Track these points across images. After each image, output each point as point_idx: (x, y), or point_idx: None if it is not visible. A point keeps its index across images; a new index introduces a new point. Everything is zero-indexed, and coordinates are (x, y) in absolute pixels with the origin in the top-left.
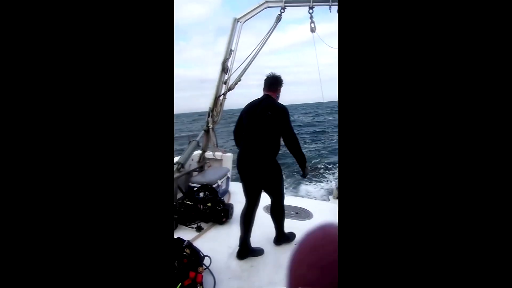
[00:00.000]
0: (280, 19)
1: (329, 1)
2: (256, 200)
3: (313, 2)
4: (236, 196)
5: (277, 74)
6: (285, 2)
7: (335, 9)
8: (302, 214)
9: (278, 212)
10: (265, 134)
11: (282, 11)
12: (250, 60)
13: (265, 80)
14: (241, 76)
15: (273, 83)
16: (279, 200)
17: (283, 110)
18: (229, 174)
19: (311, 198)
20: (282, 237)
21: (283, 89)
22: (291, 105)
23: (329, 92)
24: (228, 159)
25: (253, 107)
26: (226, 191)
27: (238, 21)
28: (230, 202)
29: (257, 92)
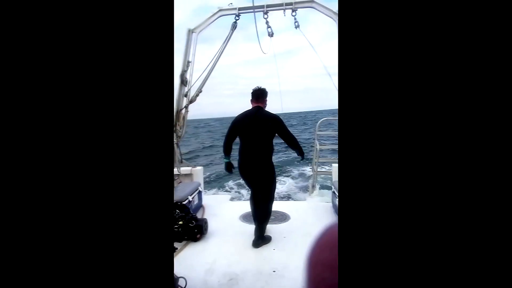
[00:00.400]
0: (236, 27)
1: (282, 5)
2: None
3: (266, 8)
4: (211, 209)
5: (262, 87)
6: (239, 10)
7: (289, 12)
8: (280, 217)
9: (264, 212)
10: (264, 139)
11: (237, 18)
12: (210, 70)
13: (253, 93)
14: (202, 87)
15: (260, 95)
16: (268, 200)
17: (280, 120)
18: (200, 188)
19: (288, 200)
20: (262, 239)
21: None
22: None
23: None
24: (198, 172)
25: (248, 117)
26: (199, 206)
27: (193, 32)
28: (205, 216)
29: (231, 101)
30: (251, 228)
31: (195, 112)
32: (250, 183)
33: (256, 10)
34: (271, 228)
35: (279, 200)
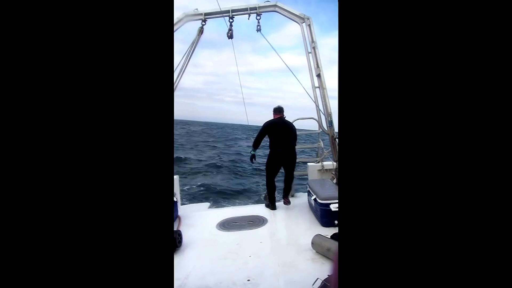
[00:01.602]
0: (203, 32)
1: (247, 10)
2: (275, 176)
3: (232, 13)
4: (187, 219)
5: (281, 105)
6: (205, 15)
7: (253, 16)
8: (257, 222)
9: (291, 177)
10: (291, 137)
11: (204, 23)
12: (178, 75)
13: (276, 109)
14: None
15: (282, 110)
16: (293, 172)
17: (294, 125)
18: (176, 198)
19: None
20: (288, 192)
21: (258, 111)
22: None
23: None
24: (174, 182)
25: (281, 124)
26: (175, 217)
27: None
28: (180, 227)
29: (231, 108)
30: (228, 236)
31: (189, 113)
32: (279, 167)
33: (222, 15)
34: (248, 234)
35: (256, 204)
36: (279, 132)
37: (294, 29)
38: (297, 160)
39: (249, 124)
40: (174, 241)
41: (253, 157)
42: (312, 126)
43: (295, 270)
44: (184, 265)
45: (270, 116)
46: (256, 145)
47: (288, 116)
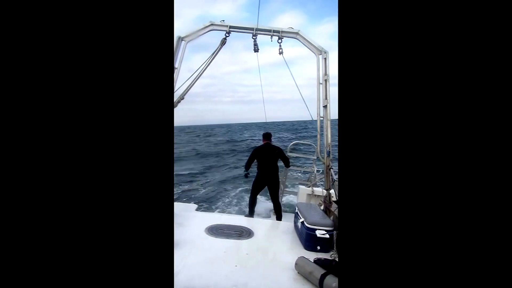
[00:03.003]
0: (225, 43)
1: (270, 32)
2: (258, 193)
3: (256, 31)
4: (177, 218)
5: (269, 131)
6: (230, 27)
7: (275, 38)
8: (244, 233)
9: (278, 205)
10: (273, 161)
11: (227, 35)
12: (194, 79)
13: (264, 135)
14: (184, 94)
15: (269, 136)
16: (277, 198)
17: (281, 149)
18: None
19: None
20: (280, 216)
21: (258, 108)
22: (271, 122)
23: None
24: None
25: (266, 150)
26: None
27: (182, 40)
28: None
29: (229, 108)
30: (216, 242)
31: (191, 118)
32: (262, 186)
33: (245, 31)
34: (235, 243)
35: (243, 215)
36: (264, 157)
37: (289, 20)
38: (288, 181)
39: (267, 121)
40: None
41: (246, 175)
42: (304, 117)
43: (278, 286)
44: (174, 263)
45: (270, 111)
46: (247, 167)
47: (288, 110)
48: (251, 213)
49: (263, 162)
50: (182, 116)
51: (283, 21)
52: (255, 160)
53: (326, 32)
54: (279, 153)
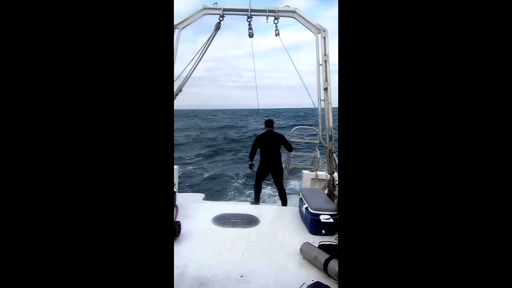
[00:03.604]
0: (219, 27)
1: (266, 12)
2: (262, 180)
3: (250, 12)
4: (184, 209)
5: (271, 118)
6: (224, 10)
7: (271, 19)
8: (250, 221)
9: (282, 191)
10: (276, 148)
11: (221, 19)
12: (191, 68)
13: (266, 122)
14: (182, 86)
15: (271, 123)
16: (282, 184)
17: (282, 135)
18: (175, 188)
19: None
20: (285, 201)
21: (263, 93)
22: (273, 109)
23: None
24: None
25: (266, 137)
26: (173, 206)
27: (175, 28)
28: (178, 217)
29: (235, 93)
30: (223, 231)
31: (194, 102)
32: (266, 174)
33: (240, 13)
34: (242, 232)
35: (249, 202)
36: (266, 144)
37: (298, 2)
38: (293, 166)
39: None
40: (174, 231)
41: (251, 165)
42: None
43: (284, 272)
44: (183, 255)
45: (274, 98)
46: (251, 156)
47: (293, 96)
48: (256, 200)
49: (266, 149)
50: (186, 100)
51: (290, 4)
52: (258, 149)
53: (334, 15)
54: (281, 140)
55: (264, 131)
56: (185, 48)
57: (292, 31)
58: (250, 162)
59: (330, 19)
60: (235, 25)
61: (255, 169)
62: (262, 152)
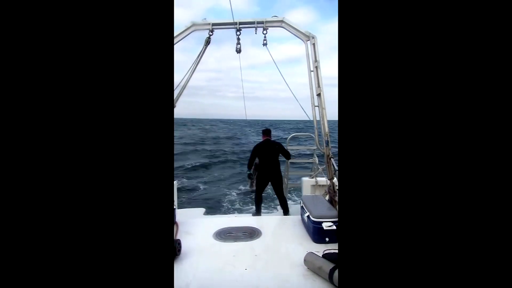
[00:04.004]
0: (209, 42)
1: (254, 23)
2: (263, 190)
3: (239, 25)
4: (184, 226)
5: (268, 127)
6: (213, 25)
7: (260, 30)
8: (252, 234)
9: (283, 200)
10: (274, 157)
11: (211, 33)
12: (184, 83)
13: (264, 131)
14: (176, 101)
15: (268, 132)
16: (282, 192)
17: (280, 144)
18: (174, 205)
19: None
20: (287, 210)
21: (261, 105)
22: (272, 120)
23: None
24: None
25: (266, 146)
26: (173, 223)
27: None
28: (178, 235)
29: (234, 103)
30: (225, 246)
31: (193, 111)
32: (266, 183)
33: (229, 26)
34: (243, 245)
35: (250, 214)
36: (264, 154)
37: (300, 17)
38: (291, 173)
39: (248, 118)
40: (174, 250)
41: (249, 175)
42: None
43: (288, 285)
44: (184, 274)
45: (274, 109)
46: (249, 166)
47: (292, 108)
48: (258, 211)
49: (265, 158)
50: (185, 108)
51: (292, 18)
52: (257, 158)
53: (334, 30)
54: (279, 148)
55: (261, 140)
56: (186, 58)
57: (291, 45)
58: (248, 172)
59: (327, 34)
60: (234, 38)
61: (253, 178)
62: (261, 161)
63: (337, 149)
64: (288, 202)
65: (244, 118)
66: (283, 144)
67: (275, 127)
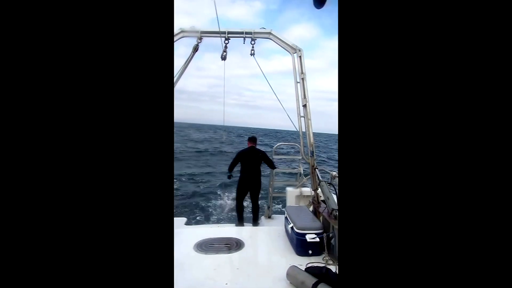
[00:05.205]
0: (197, 49)
1: (243, 33)
2: (243, 198)
3: (228, 34)
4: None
5: (255, 135)
6: (201, 33)
7: (248, 40)
8: (234, 245)
9: (256, 206)
10: (256, 164)
11: (199, 41)
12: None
13: (250, 138)
14: None
15: (254, 140)
16: (257, 199)
17: (264, 152)
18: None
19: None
20: (256, 219)
21: (262, 114)
22: (273, 130)
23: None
24: None
25: (250, 153)
26: None
27: None
28: None
29: (234, 110)
30: (205, 259)
31: (195, 116)
32: (246, 190)
33: (217, 35)
34: (225, 258)
35: (233, 224)
36: (247, 160)
37: (302, 32)
38: (276, 183)
39: (225, 124)
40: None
41: (229, 176)
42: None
43: None
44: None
45: (273, 119)
46: (230, 169)
47: (286, 118)
48: (240, 221)
49: (247, 165)
50: (184, 113)
51: (295, 32)
52: (239, 163)
53: (335, 47)
54: (262, 156)
55: (247, 146)
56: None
57: (283, 56)
58: (228, 174)
59: (329, 49)
60: (239, 46)
61: (234, 178)
62: (243, 167)
63: (320, 160)
64: (272, 212)
65: (243, 126)
66: (269, 153)
67: (274, 137)
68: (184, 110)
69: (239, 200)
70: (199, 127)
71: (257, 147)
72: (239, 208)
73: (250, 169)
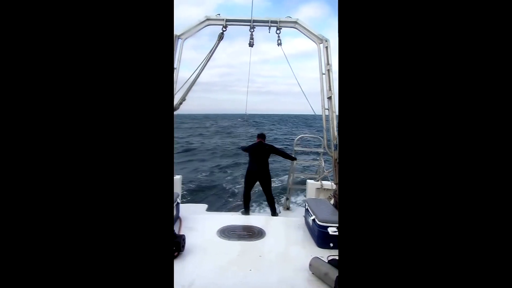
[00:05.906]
0: (222, 38)
1: (268, 22)
2: (251, 189)
3: (253, 23)
4: (188, 221)
5: (263, 132)
6: (227, 21)
7: (273, 29)
8: (256, 234)
9: (271, 198)
10: (264, 158)
11: (224, 29)
12: (194, 78)
13: (259, 135)
14: (186, 95)
15: (263, 136)
16: (270, 191)
17: (271, 145)
18: (178, 200)
19: (262, 213)
20: (274, 210)
21: (275, 99)
22: (283, 115)
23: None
24: (176, 182)
25: (258, 147)
26: (177, 218)
27: (179, 38)
28: (182, 230)
29: (245, 98)
30: (229, 244)
31: (203, 107)
32: (253, 181)
33: (243, 23)
34: (248, 245)
35: (255, 213)
36: (255, 153)
37: (312, 11)
38: (296, 175)
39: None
40: (178, 245)
41: (242, 148)
42: (308, 110)
43: None
44: (188, 272)
45: (287, 104)
46: (243, 150)
47: (304, 103)
48: (246, 210)
49: (254, 157)
50: (198, 105)
51: (304, 13)
52: (248, 155)
53: None
54: (269, 149)
55: (256, 141)
56: (199, 55)
57: (305, 39)
58: (241, 150)
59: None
60: (244, 33)
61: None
62: (251, 159)
63: None
64: (290, 203)
65: (258, 113)
66: (290, 145)
67: (288, 121)
68: (198, 102)
69: (246, 190)
70: (223, 117)
71: (277, 135)
72: (246, 198)
73: (256, 161)
